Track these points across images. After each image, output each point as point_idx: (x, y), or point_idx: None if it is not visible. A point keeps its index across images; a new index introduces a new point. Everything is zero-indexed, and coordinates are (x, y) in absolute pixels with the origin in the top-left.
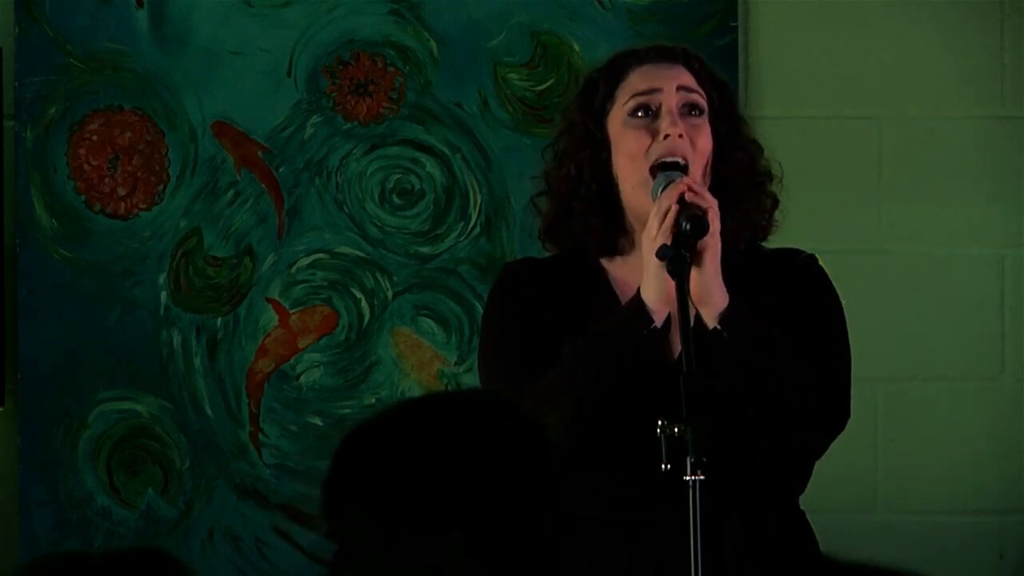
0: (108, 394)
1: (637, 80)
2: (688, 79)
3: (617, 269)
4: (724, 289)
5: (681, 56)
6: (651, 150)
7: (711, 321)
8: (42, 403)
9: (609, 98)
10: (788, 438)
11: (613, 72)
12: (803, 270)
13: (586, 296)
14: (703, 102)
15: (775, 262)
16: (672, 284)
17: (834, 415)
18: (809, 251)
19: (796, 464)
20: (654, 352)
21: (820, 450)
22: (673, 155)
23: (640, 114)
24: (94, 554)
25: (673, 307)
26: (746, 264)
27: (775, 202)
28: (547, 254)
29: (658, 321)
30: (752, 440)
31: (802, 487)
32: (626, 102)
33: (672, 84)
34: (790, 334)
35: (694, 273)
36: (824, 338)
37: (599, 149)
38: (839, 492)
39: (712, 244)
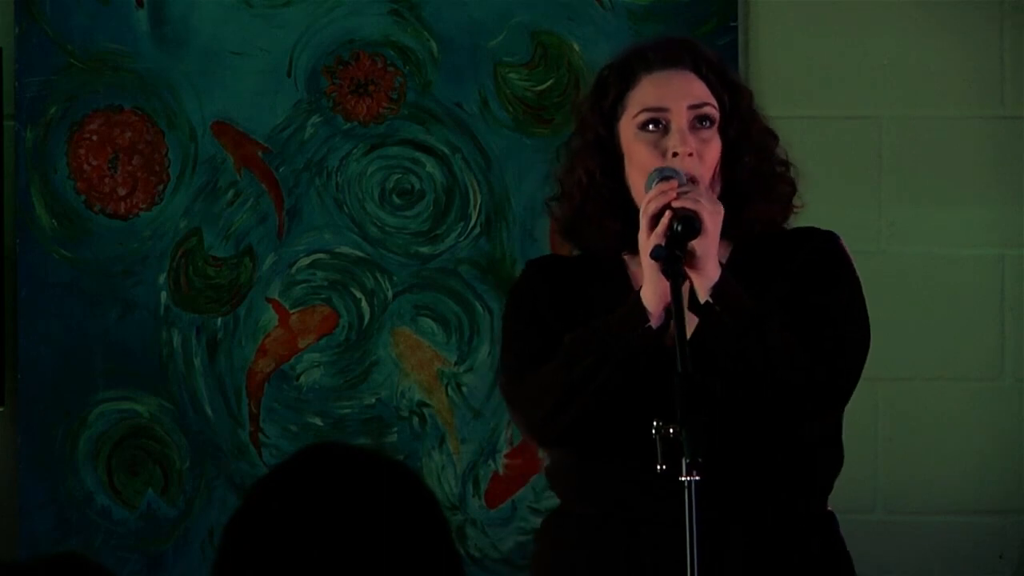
0: (108, 394)
1: (648, 90)
2: (699, 90)
3: (639, 266)
4: (717, 262)
5: (690, 60)
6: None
7: (703, 294)
8: (42, 403)
9: (619, 102)
10: (778, 411)
11: (623, 76)
12: (819, 244)
13: (605, 293)
14: (715, 113)
15: (792, 239)
16: (665, 284)
17: (838, 383)
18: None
19: (792, 441)
20: (647, 350)
21: (808, 421)
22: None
23: (651, 127)
24: (10, 565)
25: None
26: (764, 243)
27: (793, 189)
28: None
29: (655, 321)
30: (744, 426)
31: (813, 483)
32: (636, 115)
33: (682, 103)
34: (788, 312)
35: (696, 239)
36: (822, 315)
37: (610, 155)
38: (839, 492)
39: (714, 212)
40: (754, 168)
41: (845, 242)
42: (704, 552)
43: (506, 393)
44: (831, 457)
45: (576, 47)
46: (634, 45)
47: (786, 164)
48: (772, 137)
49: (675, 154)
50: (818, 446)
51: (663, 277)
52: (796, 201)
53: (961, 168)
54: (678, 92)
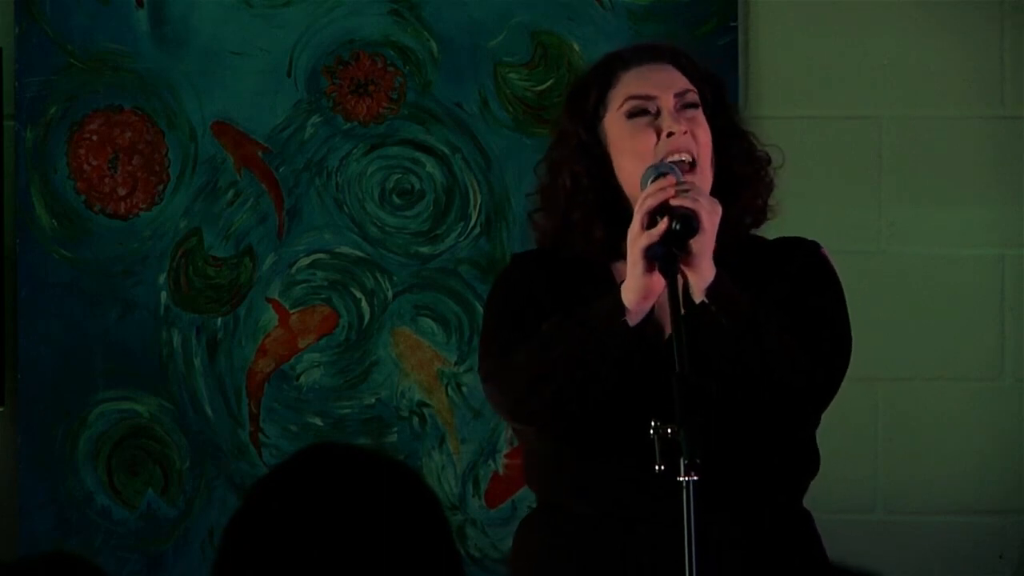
0: (108, 394)
1: (631, 82)
2: (681, 82)
3: (623, 268)
4: (712, 261)
5: (668, 54)
6: (657, 148)
7: (698, 294)
8: (42, 403)
9: (601, 103)
10: (778, 413)
11: (602, 77)
12: (804, 255)
13: (588, 288)
14: (697, 99)
15: (778, 250)
16: (654, 282)
17: (835, 384)
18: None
19: (785, 442)
20: (625, 345)
21: (806, 424)
22: (679, 152)
23: (640, 115)
24: (5, 564)
25: (655, 304)
26: (749, 254)
27: (770, 187)
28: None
29: (632, 318)
30: (739, 427)
31: (799, 480)
32: (621, 105)
33: (668, 92)
34: (787, 314)
35: (695, 238)
36: (820, 317)
37: (595, 157)
38: (839, 492)
39: (712, 210)
40: (745, 154)
41: (829, 251)
42: (701, 552)
43: (489, 369)
44: (814, 457)
45: (576, 47)
46: (607, 53)
47: (762, 161)
48: (752, 135)
49: (670, 134)
50: (803, 447)
51: (648, 274)
52: (771, 200)
53: (961, 168)
54: (663, 81)
